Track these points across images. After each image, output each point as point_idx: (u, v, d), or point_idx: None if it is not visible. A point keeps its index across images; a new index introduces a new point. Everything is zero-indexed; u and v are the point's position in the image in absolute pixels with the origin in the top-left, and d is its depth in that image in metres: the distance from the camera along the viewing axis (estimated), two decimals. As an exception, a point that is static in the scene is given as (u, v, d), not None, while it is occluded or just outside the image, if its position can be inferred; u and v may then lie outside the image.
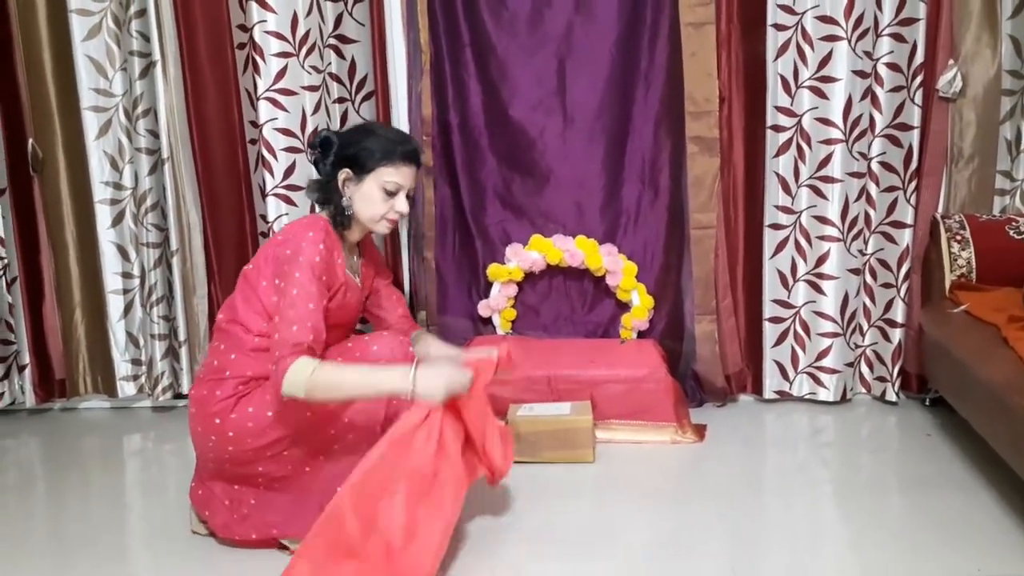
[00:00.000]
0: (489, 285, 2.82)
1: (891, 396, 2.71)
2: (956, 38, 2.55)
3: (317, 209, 2.04)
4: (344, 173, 1.91)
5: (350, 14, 2.70)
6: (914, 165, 2.57)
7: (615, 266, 2.72)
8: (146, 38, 2.66)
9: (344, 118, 2.78)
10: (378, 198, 1.91)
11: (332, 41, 2.71)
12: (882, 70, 2.53)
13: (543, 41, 2.68)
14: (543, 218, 2.78)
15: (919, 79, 2.51)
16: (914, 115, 2.54)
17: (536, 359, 2.56)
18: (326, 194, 1.94)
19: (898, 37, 2.51)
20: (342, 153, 1.93)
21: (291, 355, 1.69)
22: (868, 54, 2.56)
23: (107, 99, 2.76)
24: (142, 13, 2.64)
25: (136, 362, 2.92)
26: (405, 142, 1.96)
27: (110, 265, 2.85)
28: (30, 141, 2.79)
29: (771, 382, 2.80)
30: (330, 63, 2.71)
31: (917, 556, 1.83)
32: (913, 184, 2.59)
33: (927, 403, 2.73)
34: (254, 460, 1.86)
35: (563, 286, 2.84)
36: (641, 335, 2.80)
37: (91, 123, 2.76)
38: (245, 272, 1.94)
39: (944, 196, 2.66)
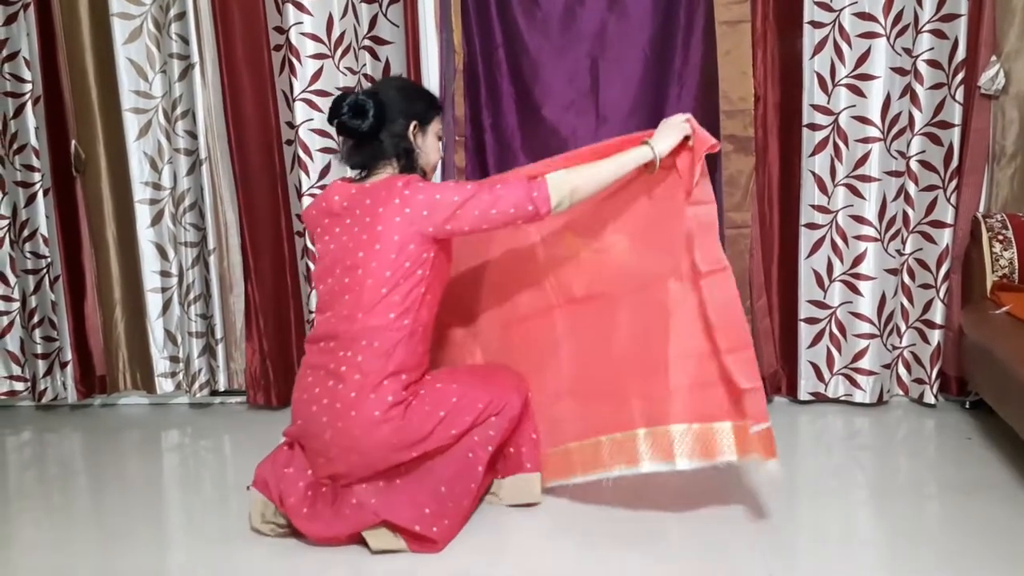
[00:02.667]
0: (521, 285, 2.82)
1: (929, 399, 2.66)
2: (999, 34, 2.50)
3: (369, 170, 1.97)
4: (413, 126, 1.95)
5: (385, 15, 2.72)
6: (955, 164, 2.53)
7: (648, 266, 2.70)
8: (185, 41, 2.71)
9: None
10: (436, 147, 2.04)
11: (367, 42, 2.73)
12: (922, 67, 2.49)
13: (576, 40, 2.68)
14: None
15: (960, 76, 2.46)
16: (955, 113, 2.50)
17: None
18: (398, 149, 1.94)
19: (939, 33, 2.47)
20: (408, 108, 1.95)
21: (530, 183, 1.83)
22: (908, 51, 2.52)
23: (147, 101, 2.81)
24: (181, 16, 2.69)
25: (174, 359, 2.97)
26: (435, 95, 2.10)
27: (149, 264, 2.90)
28: (73, 142, 2.85)
29: (806, 383, 2.76)
30: (365, 64, 2.73)
31: (958, 564, 1.80)
32: (953, 183, 2.54)
33: (967, 406, 2.68)
34: (408, 462, 1.90)
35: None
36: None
37: (131, 124, 2.82)
38: (361, 263, 1.85)
39: (986, 195, 2.62)
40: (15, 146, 2.83)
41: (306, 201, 2.73)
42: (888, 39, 2.53)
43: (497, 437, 1.96)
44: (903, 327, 2.67)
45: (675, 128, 1.92)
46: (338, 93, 2.65)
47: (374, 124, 1.89)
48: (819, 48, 2.57)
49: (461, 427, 1.93)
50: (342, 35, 2.69)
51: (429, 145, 2.00)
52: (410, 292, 1.86)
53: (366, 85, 2.73)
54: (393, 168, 1.96)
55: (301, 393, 1.96)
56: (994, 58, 2.50)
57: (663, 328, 1.93)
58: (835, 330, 2.71)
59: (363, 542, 1.92)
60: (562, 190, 1.82)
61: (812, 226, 2.68)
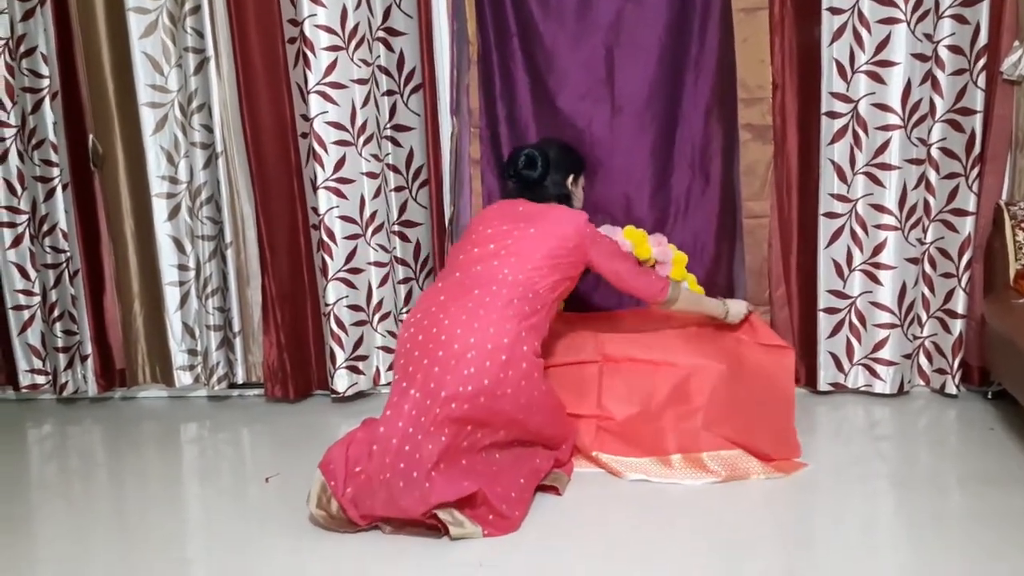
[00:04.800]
0: (537, 276, 2.81)
1: (951, 389, 2.63)
2: (1021, 18, 2.46)
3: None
4: (571, 177, 2.42)
5: (398, 7, 2.72)
6: (977, 151, 2.49)
7: (664, 256, 2.68)
8: (200, 34, 2.71)
9: (393, 111, 2.79)
10: (581, 195, 2.51)
11: (381, 34, 2.72)
12: (943, 53, 2.45)
13: (591, 29, 2.66)
14: (591, 208, 2.73)
15: (982, 62, 2.43)
16: (977, 99, 2.46)
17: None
18: (558, 192, 2.37)
19: (960, 18, 2.43)
20: (568, 163, 2.41)
21: (659, 279, 2.33)
22: (928, 36, 2.48)
23: (163, 95, 2.82)
24: (196, 10, 2.70)
25: (192, 352, 2.99)
26: (582, 155, 2.53)
27: (167, 257, 2.92)
28: (91, 137, 2.87)
29: (826, 374, 2.74)
30: (379, 56, 2.73)
31: (980, 555, 1.78)
32: (975, 170, 2.50)
33: (989, 396, 2.65)
34: (504, 427, 2.04)
35: (612, 277, 2.83)
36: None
37: (148, 119, 2.83)
38: (534, 235, 2.17)
39: (1008, 182, 2.58)
40: (34, 141, 2.85)
41: (321, 193, 2.73)
42: (908, 25, 2.49)
43: (551, 467, 2.19)
44: (924, 317, 2.64)
45: (743, 311, 2.48)
46: (352, 86, 2.69)
47: (543, 172, 2.33)
48: (838, 35, 2.53)
49: (546, 431, 2.14)
50: (356, 27, 2.69)
51: (579, 194, 2.49)
52: (558, 280, 2.17)
53: (380, 77, 2.74)
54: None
55: (436, 312, 2.07)
56: (1017, 43, 2.46)
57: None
58: (855, 320, 2.69)
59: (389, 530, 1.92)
60: (671, 296, 2.31)
61: (831, 215, 2.65)
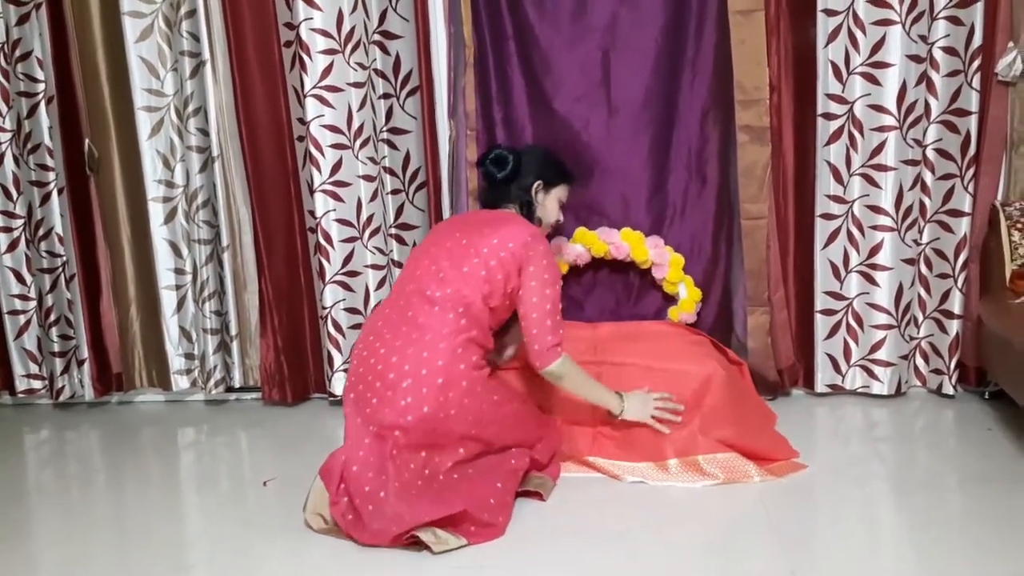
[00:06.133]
0: (534, 278, 2.81)
1: (948, 389, 2.64)
2: (1016, 20, 2.47)
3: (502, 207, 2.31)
4: (538, 184, 2.30)
5: (394, 10, 2.71)
6: (972, 152, 2.50)
7: (661, 258, 2.69)
8: (196, 38, 2.71)
9: (389, 114, 2.79)
10: (555, 209, 2.38)
11: (377, 37, 2.72)
12: (938, 54, 2.46)
13: (587, 32, 2.66)
14: (587, 211, 2.76)
15: (977, 63, 2.43)
16: (972, 100, 2.47)
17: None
18: (521, 198, 2.29)
19: (955, 20, 2.44)
20: (539, 169, 2.31)
21: (557, 347, 2.09)
22: (923, 38, 2.49)
23: (159, 99, 2.82)
24: (192, 14, 2.69)
25: (189, 356, 2.98)
26: (572, 171, 2.42)
27: (163, 261, 2.91)
28: (86, 141, 2.86)
29: (823, 376, 2.74)
30: (375, 59, 2.73)
31: (978, 556, 1.78)
32: (971, 171, 2.51)
33: (986, 396, 2.66)
34: (464, 443, 2.01)
35: (608, 279, 2.82)
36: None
37: (144, 123, 2.82)
38: (466, 245, 2.10)
39: (1004, 183, 2.59)
40: (29, 146, 2.84)
41: (318, 197, 2.73)
42: (903, 26, 2.50)
43: (528, 466, 2.15)
44: (921, 317, 2.65)
45: (644, 408, 2.21)
46: (349, 89, 2.69)
47: (508, 175, 2.26)
48: (833, 36, 2.54)
49: (508, 439, 2.10)
50: (352, 30, 2.69)
51: (548, 204, 2.34)
52: (488, 293, 2.07)
53: (377, 80, 2.74)
54: (516, 212, 2.28)
55: (374, 342, 2.05)
56: (1011, 44, 2.47)
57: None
58: (852, 321, 2.69)
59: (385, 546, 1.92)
60: (560, 370, 2.10)
61: (828, 216, 2.65)
